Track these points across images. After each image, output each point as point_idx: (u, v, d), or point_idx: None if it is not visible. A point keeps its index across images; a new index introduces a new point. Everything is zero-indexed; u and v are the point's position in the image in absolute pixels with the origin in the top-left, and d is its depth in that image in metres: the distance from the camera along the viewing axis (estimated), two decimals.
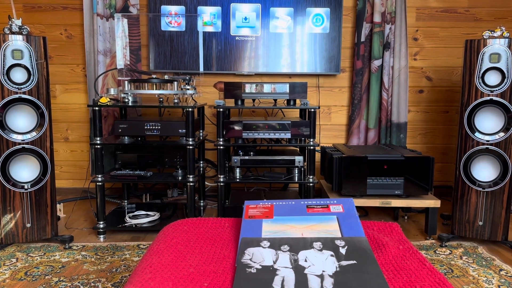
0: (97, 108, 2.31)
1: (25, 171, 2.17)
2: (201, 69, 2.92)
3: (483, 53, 2.14)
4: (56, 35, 3.08)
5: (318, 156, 3.03)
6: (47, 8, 3.06)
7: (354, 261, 1.06)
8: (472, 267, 2.01)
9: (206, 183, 3.12)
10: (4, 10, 3.04)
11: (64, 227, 2.54)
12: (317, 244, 1.14)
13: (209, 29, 2.98)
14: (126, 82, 2.41)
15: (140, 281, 0.98)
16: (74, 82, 3.13)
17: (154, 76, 2.46)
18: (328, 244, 1.14)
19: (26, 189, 2.15)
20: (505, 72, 2.13)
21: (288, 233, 1.22)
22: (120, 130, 2.41)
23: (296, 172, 2.55)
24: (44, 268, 1.96)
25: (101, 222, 2.37)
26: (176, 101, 2.40)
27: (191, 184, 2.37)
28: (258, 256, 1.09)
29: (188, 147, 2.34)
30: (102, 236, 2.36)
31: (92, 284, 1.80)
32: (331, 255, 1.09)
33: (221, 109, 2.41)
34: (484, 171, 2.23)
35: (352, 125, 3.06)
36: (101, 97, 2.32)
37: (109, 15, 2.94)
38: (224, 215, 2.47)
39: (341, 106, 3.16)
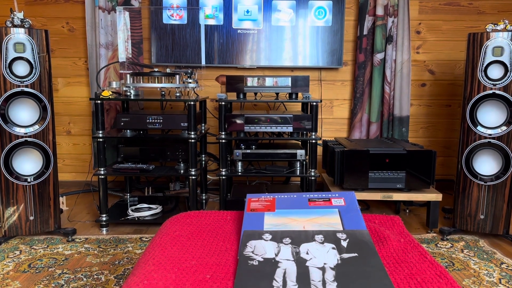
0: (99, 102, 2.31)
1: (28, 164, 2.18)
2: (203, 62, 2.92)
3: (486, 47, 2.13)
4: (58, 28, 3.08)
5: (320, 149, 3.03)
6: (49, 1, 3.05)
7: (356, 254, 1.07)
8: (473, 260, 2.02)
9: (208, 176, 3.13)
10: (6, 3, 3.04)
11: (67, 220, 2.56)
12: (319, 237, 1.14)
13: (211, 22, 2.97)
14: (128, 75, 2.42)
15: (143, 273, 0.99)
16: (76, 76, 3.13)
17: (156, 69, 2.46)
18: (330, 237, 1.15)
19: (29, 182, 2.16)
20: (508, 65, 2.12)
21: (289, 226, 1.22)
22: (122, 123, 2.41)
23: (298, 165, 2.55)
24: (47, 261, 1.98)
25: (104, 215, 2.38)
26: (178, 94, 2.40)
27: (193, 177, 2.37)
28: (260, 249, 1.10)
29: (190, 140, 2.35)
30: (104, 228, 2.38)
31: (95, 276, 1.82)
32: (333, 248, 1.09)
33: (223, 103, 2.41)
34: (486, 164, 2.23)
35: (354, 118, 3.06)
36: (103, 90, 2.33)
37: (111, 8, 2.93)
38: (226, 208, 2.48)
39: (343, 99, 3.16)
